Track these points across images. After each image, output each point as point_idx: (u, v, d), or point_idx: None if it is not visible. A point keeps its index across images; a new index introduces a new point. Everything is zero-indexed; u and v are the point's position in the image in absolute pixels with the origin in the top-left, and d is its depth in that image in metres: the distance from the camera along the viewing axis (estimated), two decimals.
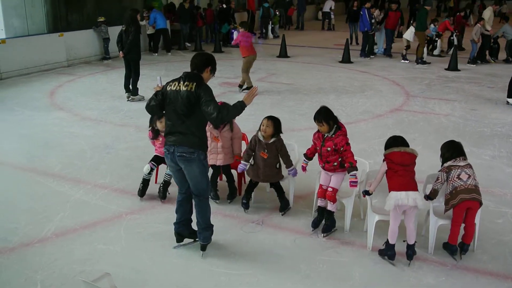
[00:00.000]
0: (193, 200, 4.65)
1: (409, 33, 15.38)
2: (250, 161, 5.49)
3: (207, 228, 4.66)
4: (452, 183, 4.58)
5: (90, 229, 5.15)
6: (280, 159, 5.46)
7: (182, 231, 4.78)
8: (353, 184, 4.82)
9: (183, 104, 4.35)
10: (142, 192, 5.86)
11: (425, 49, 15.39)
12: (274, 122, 5.37)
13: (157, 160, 5.93)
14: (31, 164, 6.89)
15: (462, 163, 4.62)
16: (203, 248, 4.70)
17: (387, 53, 16.43)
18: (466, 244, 4.67)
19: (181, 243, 4.83)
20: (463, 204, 4.50)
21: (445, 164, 4.69)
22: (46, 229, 5.13)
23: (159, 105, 4.56)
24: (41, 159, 7.11)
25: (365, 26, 15.77)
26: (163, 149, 4.65)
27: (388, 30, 16.20)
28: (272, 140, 5.36)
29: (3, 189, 6.16)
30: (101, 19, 14.78)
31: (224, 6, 19.42)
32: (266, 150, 5.35)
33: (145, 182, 5.87)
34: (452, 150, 4.73)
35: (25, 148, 7.72)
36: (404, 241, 4.60)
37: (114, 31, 13.30)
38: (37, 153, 7.38)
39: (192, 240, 4.83)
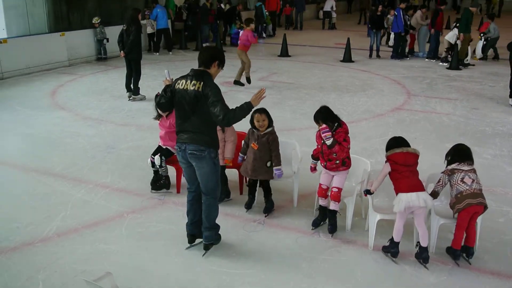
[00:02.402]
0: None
1: (452, 35, 14.77)
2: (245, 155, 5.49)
3: (210, 228, 4.67)
4: (456, 187, 4.52)
5: (91, 229, 5.16)
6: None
7: (197, 232, 4.76)
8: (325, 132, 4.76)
9: (191, 104, 4.36)
10: (152, 182, 6.09)
11: (469, 51, 14.71)
12: (267, 114, 5.28)
13: (157, 153, 5.96)
14: (33, 164, 6.90)
15: (466, 168, 4.54)
16: (206, 247, 4.71)
17: (430, 55, 15.63)
18: (471, 248, 4.57)
19: (194, 244, 4.82)
20: (470, 209, 4.42)
21: (449, 167, 4.63)
22: (47, 228, 5.14)
23: (169, 102, 4.57)
24: (43, 158, 7.12)
25: (399, 27, 15.21)
26: (175, 146, 4.67)
27: (436, 31, 15.48)
28: (265, 131, 5.28)
29: (5, 189, 6.17)
30: (97, 19, 14.74)
31: (222, 6, 19.44)
32: (257, 141, 5.28)
33: (156, 173, 6.07)
34: (454, 154, 4.66)
35: (26, 148, 7.74)
36: (417, 243, 4.58)
37: (115, 31, 13.29)
38: (38, 153, 7.39)
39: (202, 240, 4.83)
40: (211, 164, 4.47)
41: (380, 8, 16.46)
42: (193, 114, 4.39)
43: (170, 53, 16.73)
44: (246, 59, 11.58)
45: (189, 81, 4.41)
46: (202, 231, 4.69)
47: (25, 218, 5.34)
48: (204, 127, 4.41)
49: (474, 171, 4.58)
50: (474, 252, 4.61)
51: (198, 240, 4.81)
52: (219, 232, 4.85)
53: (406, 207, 4.45)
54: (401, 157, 4.57)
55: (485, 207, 4.51)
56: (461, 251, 4.59)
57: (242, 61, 11.67)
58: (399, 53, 15.81)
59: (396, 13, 15.42)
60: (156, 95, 5.92)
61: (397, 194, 4.56)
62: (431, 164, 6.26)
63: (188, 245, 4.81)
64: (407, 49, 16.26)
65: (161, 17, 16.20)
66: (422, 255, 4.53)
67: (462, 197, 4.45)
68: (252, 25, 11.76)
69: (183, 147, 4.47)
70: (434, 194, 4.73)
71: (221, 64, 4.58)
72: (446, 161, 4.74)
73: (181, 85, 4.44)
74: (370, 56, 16.05)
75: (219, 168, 4.65)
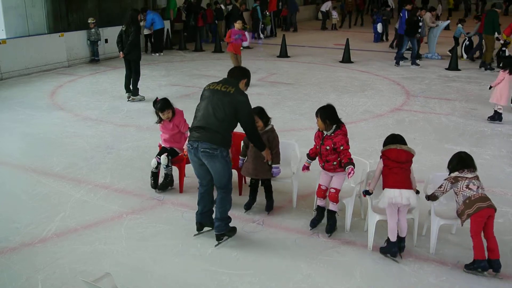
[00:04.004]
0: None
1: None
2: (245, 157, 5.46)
3: (222, 219, 4.82)
4: (462, 193, 4.48)
5: (91, 229, 5.16)
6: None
7: (205, 221, 4.97)
8: (352, 172, 4.70)
9: (218, 103, 4.60)
10: (154, 185, 6.06)
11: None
12: (260, 115, 5.30)
13: (162, 153, 5.97)
14: (32, 164, 6.90)
15: (469, 175, 4.53)
16: (218, 238, 4.86)
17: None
18: (496, 260, 4.34)
19: (201, 232, 5.02)
20: (482, 212, 4.36)
21: (452, 174, 4.62)
22: (47, 229, 5.14)
23: None
24: (42, 159, 7.11)
25: (402, 29, 14.90)
26: (186, 144, 4.82)
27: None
28: (264, 129, 5.31)
29: (5, 189, 6.17)
30: (92, 20, 14.71)
31: (222, 6, 19.47)
32: None
33: (155, 175, 6.05)
34: (457, 162, 4.64)
35: (26, 148, 7.74)
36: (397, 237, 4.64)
37: (114, 32, 13.28)
38: (38, 153, 7.38)
39: (211, 228, 4.98)
40: (223, 162, 4.64)
41: (418, 12, 15.03)
42: (215, 112, 4.59)
43: (157, 54, 16.42)
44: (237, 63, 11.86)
45: (220, 84, 4.78)
46: (214, 221, 4.84)
47: (24, 218, 5.34)
48: (221, 127, 4.60)
49: (477, 177, 4.57)
50: (501, 265, 4.35)
51: (206, 229, 5.00)
52: (235, 226, 5.02)
53: (389, 203, 4.51)
54: (394, 153, 4.63)
55: (495, 210, 4.46)
56: (486, 262, 4.37)
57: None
58: (412, 57, 15.42)
59: (401, 14, 15.31)
60: (155, 101, 5.98)
61: (383, 189, 4.61)
62: (430, 164, 6.28)
63: (196, 232, 5.00)
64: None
65: (157, 20, 16.20)
66: (400, 244, 4.64)
67: (470, 202, 4.42)
68: (237, 25, 11.98)
69: (195, 145, 4.61)
70: (433, 198, 4.75)
71: (247, 84, 5.03)
72: (448, 170, 4.71)
73: (212, 86, 4.80)
74: (397, 64, 14.62)
75: (231, 164, 4.82)
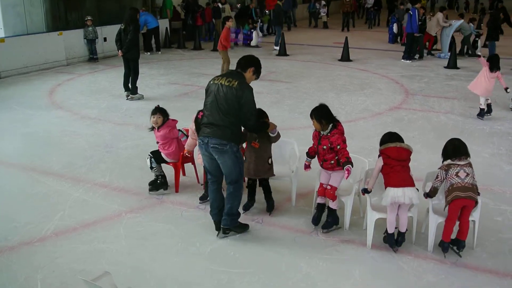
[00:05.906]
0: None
1: None
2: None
3: (230, 214, 4.87)
4: (450, 180, 4.59)
5: (90, 228, 5.15)
6: (272, 153, 5.39)
7: (220, 219, 4.95)
8: (347, 172, 4.73)
9: (223, 99, 4.63)
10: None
11: None
12: (265, 113, 5.32)
13: (154, 155, 5.99)
14: (31, 163, 6.89)
15: (462, 162, 4.60)
16: (223, 231, 4.92)
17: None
18: (462, 241, 4.62)
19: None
20: (458, 201, 4.49)
21: (445, 162, 4.69)
22: (46, 228, 5.13)
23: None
24: (41, 158, 7.11)
25: (413, 28, 14.86)
26: (197, 140, 4.90)
27: None
28: None
29: (3, 188, 6.17)
30: (89, 18, 14.64)
31: (220, 5, 19.47)
32: (257, 140, 5.27)
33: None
34: (450, 149, 4.70)
35: (24, 147, 7.73)
36: (395, 228, 4.72)
37: (112, 30, 13.27)
38: (37, 152, 7.38)
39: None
40: (233, 157, 4.68)
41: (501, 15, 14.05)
42: (222, 109, 4.65)
43: (148, 53, 16.42)
44: (225, 58, 11.65)
45: (224, 77, 4.77)
46: (223, 215, 4.89)
47: (23, 218, 5.33)
48: (230, 122, 4.65)
49: (470, 165, 4.63)
50: (465, 245, 4.63)
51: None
52: (247, 223, 5.10)
53: (391, 202, 4.57)
54: (394, 151, 4.64)
55: (476, 202, 4.56)
56: (452, 243, 4.65)
57: (222, 59, 11.81)
58: (415, 53, 15.56)
59: (411, 13, 15.16)
60: (155, 108, 5.92)
61: (386, 187, 4.63)
62: (429, 163, 6.28)
63: (217, 232, 4.99)
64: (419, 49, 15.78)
65: (150, 20, 16.17)
66: (398, 238, 4.73)
67: (452, 189, 4.53)
68: (229, 23, 11.88)
69: (205, 140, 4.69)
70: (434, 191, 4.79)
71: (257, 72, 4.94)
72: (442, 157, 4.78)
73: (216, 80, 4.79)
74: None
75: (242, 160, 4.87)
